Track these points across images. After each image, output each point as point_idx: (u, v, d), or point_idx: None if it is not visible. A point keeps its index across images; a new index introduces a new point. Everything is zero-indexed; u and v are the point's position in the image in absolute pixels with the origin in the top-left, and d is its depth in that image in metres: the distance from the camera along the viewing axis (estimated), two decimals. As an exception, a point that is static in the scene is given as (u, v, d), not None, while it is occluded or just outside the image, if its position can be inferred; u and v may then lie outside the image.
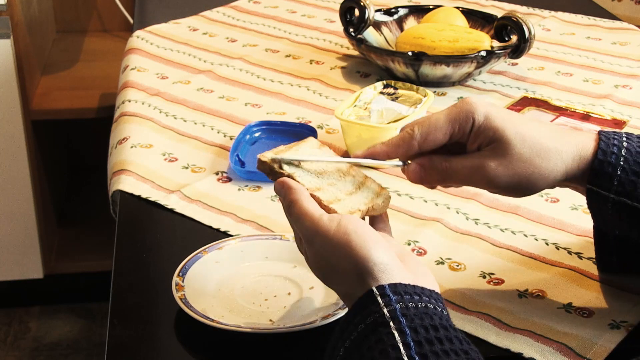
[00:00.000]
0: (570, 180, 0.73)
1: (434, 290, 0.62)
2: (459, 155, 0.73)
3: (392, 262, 0.62)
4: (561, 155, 0.71)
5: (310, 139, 0.76)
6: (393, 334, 0.57)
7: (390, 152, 0.73)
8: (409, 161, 0.74)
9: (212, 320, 0.72)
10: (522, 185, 0.72)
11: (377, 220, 0.72)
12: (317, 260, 0.66)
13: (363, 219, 0.70)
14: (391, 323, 0.57)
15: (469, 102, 0.71)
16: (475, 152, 0.72)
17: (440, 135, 0.71)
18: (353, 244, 0.62)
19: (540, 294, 0.79)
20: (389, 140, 0.73)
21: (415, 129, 0.72)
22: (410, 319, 0.57)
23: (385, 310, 0.58)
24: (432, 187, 0.77)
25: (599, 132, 0.73)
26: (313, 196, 0.68)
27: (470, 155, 0.72)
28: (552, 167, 0.71)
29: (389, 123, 1.00)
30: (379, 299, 0.59)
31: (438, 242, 0.88)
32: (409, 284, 0.60)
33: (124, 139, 1.09)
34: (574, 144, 0.72)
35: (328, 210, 0.68)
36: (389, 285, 0.60)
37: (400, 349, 0.56)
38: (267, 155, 0.71)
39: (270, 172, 0.71)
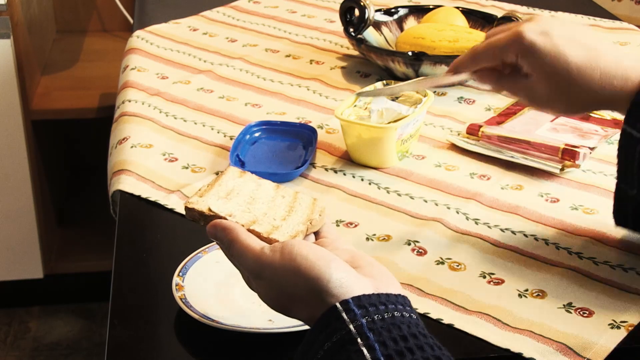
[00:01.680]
0: (614, 101, 0.78)
1: (399, 295, 0.60)
2: (511, 78, 0.83)
3: (346, 274, 0.60)
4: (607, 76, 0.77)
5: (230, 169, 0.75)
6: (362, 350, 0.55)
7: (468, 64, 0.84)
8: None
9: (212, 320, 0.72)
10: (564, 99, 0.80)
11: (321, 230, 0.71)
12: (271, 293, 0.64)
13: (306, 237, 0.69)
14: (359, 339, 0.56)
15: (519, 42, 0.79)
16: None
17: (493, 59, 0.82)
18: (302, 268, 0.61)
19: (541, 293, 0.79)
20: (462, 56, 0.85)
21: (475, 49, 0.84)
22: (377, 332, 0.56)
23: (351, 327, 0.56)
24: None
25: None
26: (251, 231, 0.67)
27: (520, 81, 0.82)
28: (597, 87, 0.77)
29: (389, 123, 1.00)
30: (344, 314, 0.57)
31: (438, 242, 0.88)
32: (372, 294, 0.59)
33: (124, 139, 1.09)
34: (624, 67, 0.77)
35: (269, 241, 0.66)
36: (352, 299, 0.58)
37: None
38: (193, 202, 0.69)
39: (201, 217, 0.69)
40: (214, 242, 0.83)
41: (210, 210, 0.68)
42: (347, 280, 0.60)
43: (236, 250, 0.65)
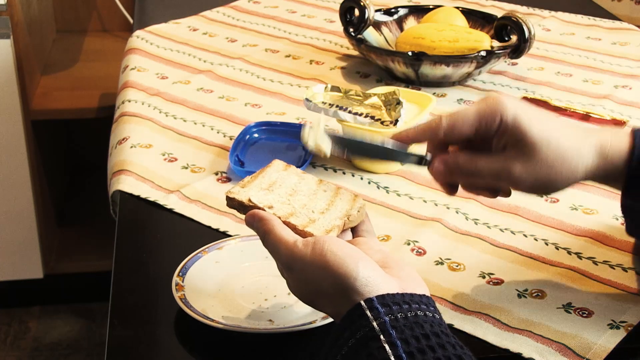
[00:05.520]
0: (591, 178, 0.74)
1: (423, 295, 0.61)
2: (484, 155, 0.73)
3: (373, 273, 0.62)
4: (581, 157, 0.72)
5: (275, 162, 0.76)
6: (384, 347, 0.56)
7: (416, 138, 0.74)
8: (432, 156, 0.75)
9: (212, 320, 0.72)
10: (544, 186, 0.74)
11: (359, 227, 0.72)
12: (300, 286, 0.66)
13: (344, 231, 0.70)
14: (381, 336, 0.57)
15: (499, 101, 0.72)
16: (500, 152, 0.73)
17: (466, 128, 0.72)
18: (331, 264, 0.62)
19: (540, 294, 0.79)
20: (417, 126, 0.74)
21: (443, 118, 0.73)
22: (400, 330, 0.57)
23: (374, 324, 0.58)
24: (452, 192, 0.77)
25: (634, 132, 0.73)
26: (287, 223, 0.68)
27: (496, 157, 0.73)
28: (573, 169, 0.72)
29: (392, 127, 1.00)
30: (368, 312, 0.58)
31: (438, 242, 0.88)
32: (397, 293, 0.60)
33: (123, 139, 1.09)
34: (593, 144, 0.73)
35: (304, 234, 0.67)
36: (377, 297, 0.59)
37: None
38: (234, 192, 0.71)
39: (241, 207, 0.70)
40: (214, 242, 0.83)
41: (250, 201, 0.70)
42: (374, 279, 0.61)
43: (270, 241, 0.66)
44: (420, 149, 0.75)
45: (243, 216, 0.91)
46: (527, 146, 0.71)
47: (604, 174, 0.73)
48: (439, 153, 0.75)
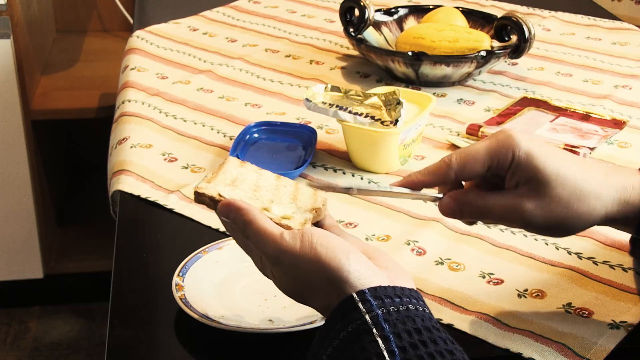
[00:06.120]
0: (611, 222, 0.72)
1: (412, 289, 0.61)
2: (495, 193, 0.70)
3: (365, 266, 0.61)
4: (601, 199, 0.69)
5: (230, 159, 0.75)
6: (377, 341, 0.56)
7: (427, 181, 0.71)
8: (442, 195, 0.72)
9: (212, 320, 0.72)
10: (558, 227, 0.71)
11: (325, 222, 0.71)
12: (288, 280, 0.64)
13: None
14: (374, 330, 0.57)
15: (511, 136, 0.69)
16: (512, 189, 0.70)
17: (478, 166, 0.69)
18: (323, 257, 0.61)
19: (540, 294, 0.79)
20: (426, 168, 0.71)
21: (453, 158, 0.70)
22: (393, 324, 0.57)
23: (367, 317, 0.57)
24: (470, 223, 0.75)
25: None
26: None
27: (507, 194, 0.70)
28: (591, 210, 0.69)
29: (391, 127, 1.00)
30: (360, 305, 0.58)
31: (438, 242, 0.88)
32: (388, 286, 0.60)
33: (123, 139, 1.09)
34: (615, 187, 0.69)
35: (281, 227, 0.66)
36: (369, 290, 0.59)
37: (385, 357, 0.55)
38: (202, 187, 0.70)
39: (211, 202, 0.69)
40: (214, 242, 0.83)
41: (220, 195, 0.69)
42: (366, 272, 0.61)
43: (253, 232, 0.64)
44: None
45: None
46: (541, 184, 0.68)
47: (624, 219, 0.71)
48: (450, 189, 0.72)
